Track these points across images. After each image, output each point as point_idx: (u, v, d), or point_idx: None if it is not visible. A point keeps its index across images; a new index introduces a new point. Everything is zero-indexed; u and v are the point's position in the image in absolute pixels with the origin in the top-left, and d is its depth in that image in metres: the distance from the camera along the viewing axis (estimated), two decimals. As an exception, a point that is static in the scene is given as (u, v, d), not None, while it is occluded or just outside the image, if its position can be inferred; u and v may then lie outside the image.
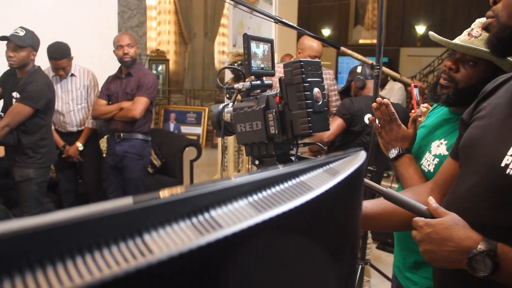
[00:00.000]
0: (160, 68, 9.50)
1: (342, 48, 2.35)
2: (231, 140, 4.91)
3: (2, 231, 0.22)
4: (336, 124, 2.88)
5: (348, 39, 9.53)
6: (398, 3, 8.70)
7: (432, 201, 0.98)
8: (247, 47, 1.03)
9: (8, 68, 3.26)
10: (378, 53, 2.12)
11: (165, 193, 0.30)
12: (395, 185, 1.85)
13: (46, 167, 3.32)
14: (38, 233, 0.23)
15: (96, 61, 4.15)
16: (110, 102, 3.56)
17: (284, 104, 1.01)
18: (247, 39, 1.02)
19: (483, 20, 1.04)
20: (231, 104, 1.11)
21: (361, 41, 9.45)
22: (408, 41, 8.84)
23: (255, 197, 0.35)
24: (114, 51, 3.51)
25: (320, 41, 2.29)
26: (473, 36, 1.31)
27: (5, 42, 3.11)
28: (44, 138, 3.25)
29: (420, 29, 8.63)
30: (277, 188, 0.38)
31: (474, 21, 1.37)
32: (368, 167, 2.36)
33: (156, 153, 4.44)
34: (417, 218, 0.97)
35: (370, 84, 2.97)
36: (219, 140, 5.41)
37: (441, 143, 1.39)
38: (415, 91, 1.70)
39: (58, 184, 3.84)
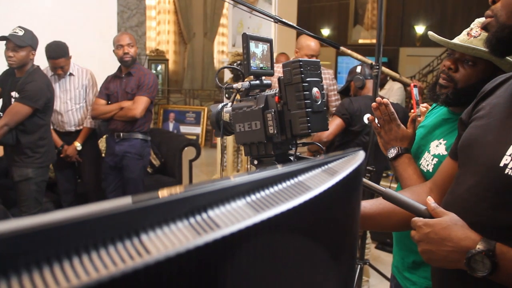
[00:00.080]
0: (159, 67, 9.50)
1: (342, 48, 2.35)
2: (230, 140, 4.91)
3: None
4: (335, 124, 2.88)
5: (348, 39, 9.53)
6: (398, 3, 8.70)
7: (431, 201, 0.98)
8: (246, 47, 1.03)
9: (7, 68, 3.26)
10: (377, 53, 2.12)
11: (163, 193, 0.30)
12: (394, 185, 1.85)
13: (45, 166, 3.31)
14: (34, 233, 0.23)
15: (95, 61, 4.14)
16: (109, 102, 3.56)
17: (283, 104, 1.01)
18: (246, 38, 1.02)
19: (482, 20, 1.04)
20: (230, 104, 1.11)
21: (360, 41, 9.45)
22: (408, 41, 8.84)
23: (253, 197, 0.35)
24: (114, 50, 3.51)
25: (320, 41, 2.29)
26: (472, 36, 1.31)
27: (3, 41, 3.11)
28: (43, 137, 3.25)
29: (420, 29, 8.63)
30: (276, 188, 0.38)
31: (473, 21, 1.36)
32: (367, 167, 2.36)
33: (155, 153, 4.44)
34: (415, 218, 0.97)
35: (370, 84, 2.97)
36: (218, 140, 5.41)
37: (440, 143, 1.39)
38: (415, 91, 1.70)
39: (57, 184, 3.83)
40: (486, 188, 0.93)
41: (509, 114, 0.97)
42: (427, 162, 1.40)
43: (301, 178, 0.41)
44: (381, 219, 1.16)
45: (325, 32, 9.95)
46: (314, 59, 3.47)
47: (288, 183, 0.39)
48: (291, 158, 1.08)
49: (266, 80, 1.11)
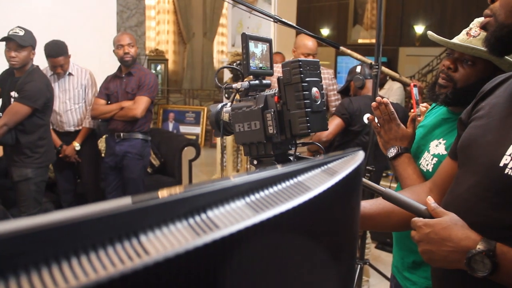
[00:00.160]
0: (159, 67, 9.50)
1: (342, 48, 2.35)
2: (230, 140, 4.91)
3: (-4, 232, 0.22)
4: (334, 123, 2.88)
5: (347, 38, 9.53)
6: (397, 3, 8.70)
7: (431, 200, 0.98)
8: (245, 47, 1.02)
9: (7, 68, 3.26)
10: (377, 53, 2.12)
11: (162, 193, 0.30)
12: (394, 185, 1.85)
13: (44, 166, 3.31)
14: (32, 234, 0.23)
15: (95, 61, 4.15)
16: (109, 102, 3.55)
17: (282, 104, 1.00)
18: (246, 38, 1.02)
19: (481, 19, 1.04)
20: (229, 103, 1.10)
21: (360, 41, 9.45)
22: (407, 40, 8.84)
23: (252, 197, 0.35)
24: (114, 50, 3.51)
25: (320, 41, 2.29)
26: (472, 35, 1.31)
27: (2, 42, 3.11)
28: (42, 137, 3.25)
29: (419, 29, 8.63)
30: (275, 188, 0.38)
31: (473, 21, 1.36)
32: (367, 167, 2.36)
33: (155, 153, 4.44)
34: (415, 219, 0.97)
35: (370, 83, 2.97)
36: (218, 140, 5.41)
37: (440, 143, 1.39)
38: (415, 91, 1.70)
39: (57, 184, 3.83)
40: (486, 188, 0.93)
41: (509, 114, 0.97)
42: (426, 161, 1.40)
43: (300, 178, 0.41)
44: (381, 219, 1.16)
45: (325, 32, 9.95)
46: (311, 58, 3.47)
47: (287, 183, 0.39)
48: (291, 158, 1.08)
49: (265, 80, 1.11)
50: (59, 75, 3.55)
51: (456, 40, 1.35)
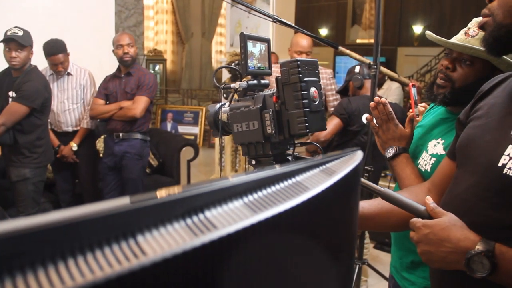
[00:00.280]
0: (157, 67, 9.49)
1: (340, 48, 2.34)
2: (228, 140, 4.91)
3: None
4: (333, 123, 2.88)
5: (346, 38, 9.54)
6: (396, 2, 8.71)
7: (429, 200, 0.98)
8: (243, 47, 1.02)
9: (4, 68, 3.25)
10: (375, 53, 2.12)
11: (159, 194, 0.30)
12: (393, 185, 1.85)
13: (42, 167, 3.31)
14: (28, 235, 0.23)
15: (93, 61, 4.14)
16: (108, 102, 3.55)
17: (280, 104, 1.00)
18: (244, 38, 1.02)
19: (480, 19, 1.04)
20: (228, 103, 1.10)
21: (358, 41, 9.46)
22: (406, 40, 8.85)
23: (250, 197, 0.35)
24: (113, 50, 3.51)
25: (318, 41, 2.29)
26: (470, 35, 1.31)
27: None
28: (40, 137, 3.25)
29: (418, 28, 8.64)
30: (273, 188, 0.38)
31: (471, 20, 1.37)
32: (365, 167, 2.36)
33: (153, 153, 4.43)
34: (414, 219, 0.97)
35: (368, 83, 2.97)
36: (216, 140, 5.40)
37: (438, 143, 1.39)
38: (413, 91, 1.70)
39: (55, 184, 3.83)
40: (484, 188, 0.93)
41: (507, 114, 0.97)
42: (425, 161, 1.40)
43: (299, 178, 0.41)
44: (379, 219, 1.16)
45: (323, 32, 9.96)
46: (304, 56, 3.46)
47: (285, 183, 0.39)
48: (289, 158, 1.08)
49: (263, 80, 1.11)
50: (59, 73, 3.54)
51: (454, 40, 1.35)
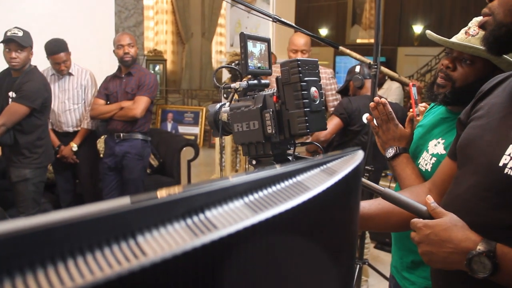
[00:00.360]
0: (157, 68, 9.49)
1: (341, 48, 2.34)
2: (228, 140, 4.91)
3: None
4: (333, 123, 2.88)
5: (346, 38, 9.54)
6: (396, 2, 8.71)
7: (430, 200, 0.97)
8: (244, 46, 1.02)
9: (4, 68, 3.25)
10: (375, 53, 2.12)
11: (159, 194, 0.29)
12: (393, 185, 1.84)
13: (43, 167, 3.31)
14: (27, 235, 0.22)
15: (93, 61, 4.14)
16: (109, 102, 3.55)
17: (281, 104, 1.00)
18: (244, 38, 1.02)
19: (480, 18, 1.04)
20: (228, 103, 1.10)
21: (358, 41, 9.47)
22: (406, 40, 8.85)
23: (251, 197, 0.35)
24: (114, 50, 3.51)
25: (319, 41, 2.29)
26: (470, 34, 1.31)
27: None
28: (41, 138, 3.25)
29: (418, 28, 8.65)
30: (274, 188, 0.37)
31: (471, 20, 1.36)
32: (366, 167, 2.36)
33: (154, 153, 4.43)
34: (415, 220, 0.96)
35: (369, 83, 2.97)
36: (217, 140, 5.40)
37: (439, 142, 1.39)
38: (413, 91, 1.70)
39: (56, 184, 3.83)
40: (485, 188, 0.93)
41: (507, 114, 0.97)
42: (425, 161, 1.40)
43: (299, 178, 0.41)
44: (380, 219, 1.16)
45: (323, 32, 9.96)
46: (299, 54, 3.45)
47: (286, 183, 0.39)
48: (290, 158, 1.08)
49: (264, 80, 1.11)
50: (61, 73, 3.54)
51: (455, 39, 1.35)
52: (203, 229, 0.29)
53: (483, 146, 0.97)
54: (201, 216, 0.30)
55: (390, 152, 1.46)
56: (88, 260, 0.24)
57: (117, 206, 0.26)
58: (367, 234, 3.01)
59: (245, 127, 1.03)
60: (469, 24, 1.35)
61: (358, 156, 0.50)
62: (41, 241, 0.23)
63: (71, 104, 3.63)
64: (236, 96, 1.10)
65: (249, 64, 1.04)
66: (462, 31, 1.35)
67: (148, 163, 4.25)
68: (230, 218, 0.31)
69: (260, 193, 0.36)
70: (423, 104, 1.77)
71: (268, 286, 0.36)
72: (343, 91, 3.22)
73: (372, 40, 2.27)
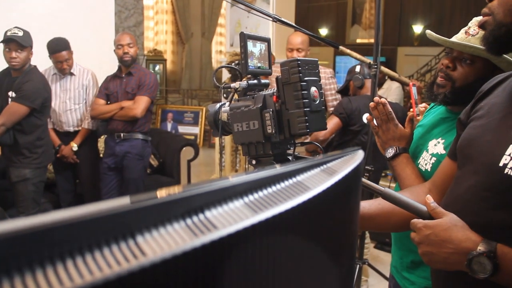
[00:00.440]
0: (157, 68, 9.49)
1: (341, 47, 2.34)
2: (228, 139, 4.91)
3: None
4: (332, 123, 2.88)
5: (346, 38, 9.54)
6: (396, 2, 8.71)
7: (430, 200, 0.97)
8: (243, 46, 1.02)
9: (5, 68, 3.25)
10: (375, 53, 2.12)
11: (159, 194, 0.29)
12: (393, 185, 1.84)
13: (42, 167, 3.31)
14: (24, 236, 0.22)
15: (93, 61, 4.14)
16: (109, 102, 3.55)
17: (281, 103, 1.00)
18: (244, 38, 1.02)
19: (480, 18, 1.04)
20: (228, 103, 1.10)
21: (358, 41, 9.46)
22: (405, 40, 8.85)
23: (251, 197, 0.35)
24: (114, 50, 3.51)
25: (319, 40, 2.29)
26: (470, 34, 1.31)
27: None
28: (40, 138, 3.24)
29: (418, 28, 8.65)
30: (274, 188, 0.37)
31: (471, 20, 1.36)
32: (366, 167, 2.36)
33: (153, 153, 4.43)
34: (415, 220, 0.96)
35: (369, 83, 2.96)
36: (217, 139, 5.40)
37: (438, 142, 1.39)
38: (414, 90, 1.70)
39: (56, 184, 3.83)
40: (486, 188, 0.93)
41: (508, 114, 0.97)
42: (425, 161, 1.40)
43: (299, 178, 0.41)
44: (380, 219, 1.16)
45: (323, 31, 9.96)
46: (295, 52, 3.45)
47: (286, 183, 0.39)
48: (290, 157, 1.08)
49: (264, 80, 1.11)
50: (63, 72, 3.54)
51: (455, 39, 1.34)
52: (203, 229, 0.29)
53: (483, 146, 0.97)
54: (201, 216, 0.30)
55: (390, 152, 1.46)
56: (87, 260, 0.24)
57: (116, 206, 0.26)
58: (367, 234, 3.01)
59: (245, 127, 1.03)
60: (469, 24, 1.35)
61: (358, 156, 0.49)
62: (40, 241, 0.23)
63: (72, 104, 3.63)
64: (236, 96, 1.10)
65: (249, 64, 1.03)
66: (462, 30, 1.35)
67: (148, 163, 4.26)
68: (230, 218, 0.31)
69: (260, 193, 0.36)
70: (423, 104, 1.77)
71: (268, 286, 0.36)
72: (343, 91, 3.22)
73: (372, 40, 2.27)
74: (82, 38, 4.43)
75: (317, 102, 0.99)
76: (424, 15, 8.62)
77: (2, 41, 3.08)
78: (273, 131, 0.99)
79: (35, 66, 3.25)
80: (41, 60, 3.42)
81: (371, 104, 1.47)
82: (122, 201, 0.27)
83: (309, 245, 0.42)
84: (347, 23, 9.59)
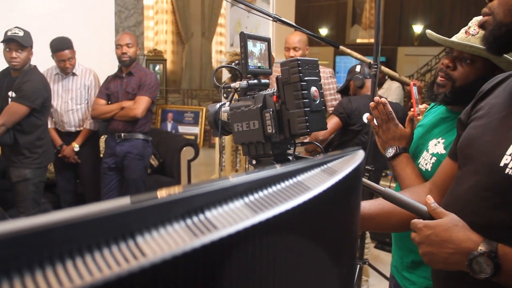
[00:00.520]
0: (157, 67, 9.50)
1: (341, 47, 2.34)
2: (228, 139, 4.90)
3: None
4: (332, 122, 2.88)
5: (346, 38, 9.54)
6: (396, 2, 8.71)
7: (430, 200, 0.97)
8: (243, 46, 1.02)
9: (5, 68, 3.25)
10: (375, 52, 2.12)
11: (159, 194, 0.29)
12: (393, 185, 1.84)
13: (43, 167, 3.31)
14: (24, 236, 0.22)
15: (93, 61, 4.13)
16: (110, 102, 3.55)
17: (281, 103, 1.00)
18: (244, 37, 1.02)
19: (480, 18, 1.04)
20: (228, 103, 1.10)
21: (358, 41, 9.47)
22: (406, 40, 8.85)
23: (251, 197, 0.34)
24: (115, 50, 3.52)
25: (320, 40, 2.29)
26: (470, 34, 1.31)
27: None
28: (41, 138, 3.24)
29: (418, 28, 8.64)
30: (274, 188, 0.37)
31: (471, 19, 1.36)
32: (366, 167, 2.36)
33: (154, 153, 4.43)
34: (415, 220, 0.96)
35: (369, 83, 2.96)
36: (217, 139, 5.39)
37: (439, 142, 1.39)
38: (414, 90, 1.69)
39: (57, 184, 3.82)
40: (486, 188, 0.93)
41: (508, 114, 0.97)
42: (425, 161, 1.40)
43: (300, 178, 0.41)
44: (380, 220, 1.16)
45: (323, 31, 9.96)
46: (292, 51, 3.45)
47: (286, 183, 0.39)
48: (290, 157, 1.08)
49: (264, 80, 1.11)
50: (66, 71, 3.53)
51: (455, 38, 1.34)
52: (203, 229, 0.29)
53: (483, 146, 0.97)
54: (201, 216, 0.30)
55: (390, 152, 1.46)
56: (87, 261, 0.24)
57: (116, 207, 0.26)
58: (368, 234, 3.01)
59: (245, 127, 1.03)
60: (469, 24, 1.35)
61: (358, 156, 0.49)
62: (40, 242, 0.23)
63: (74, 104, 3.63)
64: (236, 96, 1.10)
65: (249, 64, 1.03)
66: (462, 30, 1.35)
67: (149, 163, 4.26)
68: (230, 218, 0.31)
69: (260, 193, 0.36)
70: (423, 105, 1.77)
71: (268, 287, 0.36)
72: (344, 91, 3.22)
73: (372, 40, 2.26)
74: (82, 38, 4.42)
75: (317, 102, 0.99)
76: (424, 15, 8.62)
77: (3, 41, 3.08)
78: (273, 131, 0.99)
79: (35, 66, 3.25)
80: (41, 60, 3.42)
81: (371, 104, 1.47)
82: (122, 201, 0.27)
83: (309, 245, 0.42)
84: (347, 23, 9.59)
